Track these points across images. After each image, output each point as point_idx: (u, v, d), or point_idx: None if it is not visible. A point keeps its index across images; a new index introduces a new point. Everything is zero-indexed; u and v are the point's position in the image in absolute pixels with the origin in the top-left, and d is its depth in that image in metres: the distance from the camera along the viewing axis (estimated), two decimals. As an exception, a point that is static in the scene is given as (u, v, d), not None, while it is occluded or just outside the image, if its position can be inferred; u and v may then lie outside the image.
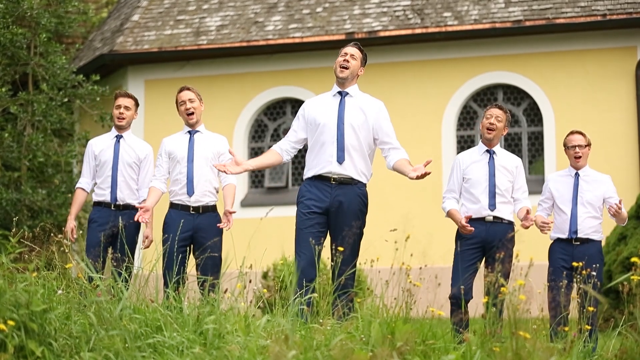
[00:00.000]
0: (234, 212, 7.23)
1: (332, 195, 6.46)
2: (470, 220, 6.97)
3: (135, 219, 7.20)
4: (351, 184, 6.51)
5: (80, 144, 13.47)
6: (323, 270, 9.39)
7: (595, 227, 7.33)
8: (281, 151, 6.69)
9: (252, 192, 14.38)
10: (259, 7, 14.75)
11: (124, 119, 7.71)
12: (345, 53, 6.66)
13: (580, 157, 7.42)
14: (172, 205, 7.28)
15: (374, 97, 6.78)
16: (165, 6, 15.37)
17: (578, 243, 7.28)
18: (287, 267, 6.46)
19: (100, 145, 7.74)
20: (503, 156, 7.16)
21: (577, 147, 7.43)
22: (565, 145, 7.53)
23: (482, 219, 6.97)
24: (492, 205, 6.95)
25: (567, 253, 7.27)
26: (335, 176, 6.48)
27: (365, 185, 6.60)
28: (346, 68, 6.61)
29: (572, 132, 7.52)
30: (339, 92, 6.67)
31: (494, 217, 6.96)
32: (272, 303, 5.90)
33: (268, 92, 14.43)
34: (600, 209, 7.39)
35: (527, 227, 6.92)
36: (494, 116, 7.10)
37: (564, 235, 7.32)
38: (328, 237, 6.57)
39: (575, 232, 7.28)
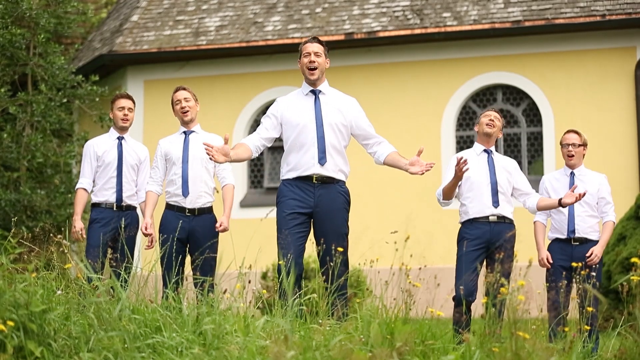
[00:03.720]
0: (225, 230, 7.19)
1: (315, 195, 6.47)
2: (474, 220, 6.98)
3: (145, 248, 7.35)
4: (333, 183, 6.53)
5: (80, 145, 13.46)
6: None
7: (593, 226, 7.35)
8: (253, 147, 6.59)
9: (251, 192, 14.38)
10: (258, 7, 14.75)
11: (128, 120, 7.73)
12: (308, 53, 6.61)
13: (572, 155, 7.45)
14: (168, 206, 7.28)
15: (345, 94, 6.79)
16: (164, 6, 15.37)
17: (577, 243, 7.28)
18: (284, 269, 6.44)
19: (102, 147, 7.72)
20: (500, 157, 7.21)
21: (570, 146, 7.46)
22: (560, 143, 7.58)
23: (486, 219, 6.97)
24: (496, 202, 6.96)
25: (566, 253, 7.28)
26: (317, 176, 6.49)
27: (345, 182, 6.63)
28: (315, 69, 6.61)
29: (568, 131, 7.56)
30: (312, 91, 6.66)
31: (498, 216, 6.97)
32: (271, 303, 5.90)
33: (267, 93, 14.42)
34: (596, 207, 7.40)
35: (568, 204, 6.99)
36: (492, 115, 7.16)
37: (563, 236, 7.33)
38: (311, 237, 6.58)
39: (573, 232, 7.29)
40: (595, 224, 7.38)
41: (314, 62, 6.58)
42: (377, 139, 6.69)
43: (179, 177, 7.23)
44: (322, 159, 6.48)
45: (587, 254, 7.20)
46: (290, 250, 6.35)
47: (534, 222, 7.50)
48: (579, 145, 7.48)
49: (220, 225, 7.13)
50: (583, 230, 7.29)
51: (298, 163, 6.52)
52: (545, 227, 7.52)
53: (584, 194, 7.01)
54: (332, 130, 6.55)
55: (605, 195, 7.43)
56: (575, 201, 6.99)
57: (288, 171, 6.57)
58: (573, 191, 7.00)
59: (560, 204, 7.03)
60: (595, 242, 7.31)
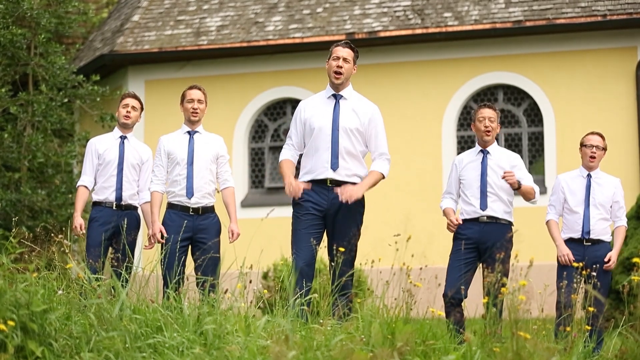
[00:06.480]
0: (237, 235, 7.21)
1: (329, 198, 6.48)
2: (465, 220, 6.99)
3: (145, 247, 7.27)
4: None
5: (81, 145, 13.46)
6: (323, 271, 9.40)
7: (605, 228, 7.41)
8: (295, 160, 6.72)
9: (252, 192, 14.38)
10: (259, 7, 14.75)
11: (130, 117, 7.73)
12: (337, 57, 6.60)
13: (595, 157, 7.45)
14: (171, 206, 7.24)
15: (369, 100, 6.76)
16: (165, 6, 15.37)
17: (589, 244, 7.31)
18: (287, 268, 6.45)
19: (104, 145, 7.73)
20: (498, 155, 7.10)
21: (594, 148, 7.46)
22: (582, 143, 7.55)
23: (477, 220, 6.97)
24: (484, 205, 6.95)
25: (578, 253, 7.31)
26: (331, 180, 6.50)
27: None
28: (340, 74, 6.59)
29: (592, 132, 7.57)
30: (333, 95, 6.66)
31: (488, 217, 6.96)
32: (272, 303, 5.90)
33: (268, 93, 14.43)
34: (609, 211, 7.43)
35: (513, 180, 6.86)
36: (487, 118, 7.05)
37: (576, 235, 7.35)
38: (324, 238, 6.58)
39: (588, 233, 7.32)
40: (608, 226, 7.46)
41: (341, 67, 6.58)
42: (374, 153, 6.66)
43: (183, 179, 7.21)
44: (334, 164, 6.50)
45: (606, 259, 7.23)
46: (301, 249, 6.37)
47: (547, 222, 7.50)
48: (602, 148, 7.50)
49: (233, 234, 7.14)
50: (597, 232, 7.35)
51: (313, 167, 6.55)
52: (558, 224, 7.50)
53: (512, 173, 6.88)
54: (347, 135, 6.54)
55: (619, 199, 7.51)
56: (512, 178, 6.88)
57: (304, 174, 6.61)
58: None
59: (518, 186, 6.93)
60: (606, 243, 7.37)
